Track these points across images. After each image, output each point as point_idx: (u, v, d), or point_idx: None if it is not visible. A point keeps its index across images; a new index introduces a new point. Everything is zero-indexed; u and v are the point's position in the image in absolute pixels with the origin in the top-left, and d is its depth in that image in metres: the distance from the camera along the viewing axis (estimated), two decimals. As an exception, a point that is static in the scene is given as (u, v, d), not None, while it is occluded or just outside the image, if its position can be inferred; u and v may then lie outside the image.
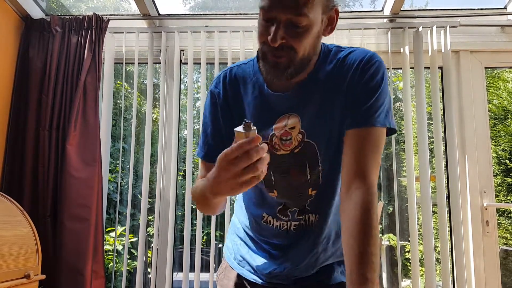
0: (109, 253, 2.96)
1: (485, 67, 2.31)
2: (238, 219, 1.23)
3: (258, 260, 1.14)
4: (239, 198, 1.24)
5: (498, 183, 3.03)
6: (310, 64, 0.99)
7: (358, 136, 0.95)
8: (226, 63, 2.31)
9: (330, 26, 0.97)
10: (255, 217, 1.14)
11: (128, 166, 2.31)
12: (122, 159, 2.46)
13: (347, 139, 0.97)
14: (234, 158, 0.72)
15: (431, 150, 2.21)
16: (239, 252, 1.19)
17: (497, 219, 2.18)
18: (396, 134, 1.18)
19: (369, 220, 0.87)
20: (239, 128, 0.71)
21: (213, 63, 2.32)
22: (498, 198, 3.04)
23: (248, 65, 1.10)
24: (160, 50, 2.38)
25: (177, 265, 3.15)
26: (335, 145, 1.01)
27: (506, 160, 3.09)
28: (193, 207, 3.11)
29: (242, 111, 1.06)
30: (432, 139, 2.19)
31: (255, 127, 0.71)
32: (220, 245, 3.60)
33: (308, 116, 1.01)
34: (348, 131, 0.97)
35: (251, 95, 1.05)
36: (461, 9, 2.34)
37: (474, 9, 2.34)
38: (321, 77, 1.01)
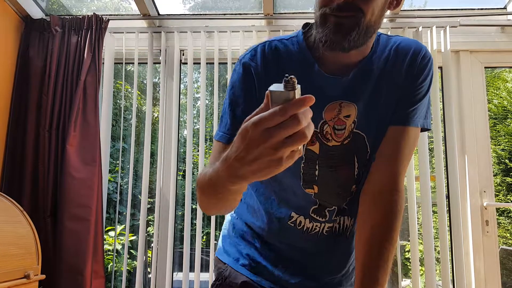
0: (109, 253, 2.96)
1: (485, 67, 2.31)
2: (244, 221, 1.06)
3: (279, 269, 0.99)
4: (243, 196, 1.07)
5: (497, 182, 3.03)
6: (370, 41, 0.89)
7: (400, 135, 0.90)
8: (226, 63, 2.31)
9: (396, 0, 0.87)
10: (279, 218, 0.98)
11: (128, 166, 2.31)
12: (122, 159, 2.46)
13: (388, 136, 0.91)
14: (272, 126, 0.51)
15: (430, 150, 2.21)
16: (250, 257, 1.02)
17: (497, 219, 2.17)
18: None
19: (398, 226, 0.86)
20: (277, 87, 0.51)
21: (213, 63, 2.32)
22: (497, 198, 3.03)
23: (291, 41, 0.95)
24: (160, 50, 2.38)
25: (177, 265, 3.16)
26: (381, 139, 0.92)
27: (506, 160, 3.09)
28: (193, 206, 3.11)
29: None
30: (431, 139, 2.19)
31: (299, 85, 0.51)
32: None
33: (362, 104, 0.91)
34: (391, 127, 0.91)
35: (297, 74, 0.93)
36: (461, 9, 2.34)
37: (474, 9, 2.34)
38: (378, 62, 0.92)
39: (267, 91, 0.51)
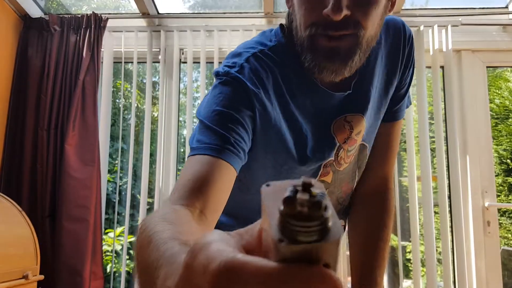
0: (108, 253, 2.94)
1: (487, 67, 2.29)
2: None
3: None
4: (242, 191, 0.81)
5: (499, 183, 3.02)
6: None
7: (389, 131, 0.85)
8: (226, 63, 2.29)
9: (391, 1, 0.73)
10: None
11: (127, 166, 2.29)
12: (122, 159, 2.45)
13: (379, 134, 0.84)
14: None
15: (432, 150, 2.19)
16: None
17: (498, 219, 2.16)
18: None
19: (391, 223, 0.84)
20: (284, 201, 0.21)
21: (213, 63, 2.30)
22: (499, 198, 3.02)
23: (273, 51, 0.75)
24: (159, 49, 2.37)
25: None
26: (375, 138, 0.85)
27: (508, 160, 3.08)
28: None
29: (289, 117, 0.72)
30: (433, 139, 2.18)
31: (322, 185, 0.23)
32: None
33: (369, 114, 0.79)
34: (383, 124, 0.84)
35: (299, 94, 0.73)
36: (462, 8, 2.32)
37: (475, 8, 2.32)
38: (374, 60, 0.79)
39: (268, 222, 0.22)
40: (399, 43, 0.81)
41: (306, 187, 0.21)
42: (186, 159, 0.66)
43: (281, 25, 0.79)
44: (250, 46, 0.76)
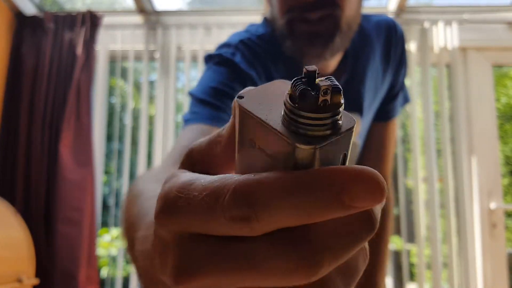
0: (104, 257, 2.91)
1: (493, 65, 2.28)
2: None
3: None
4: None
5: (505, 184, 2.99)
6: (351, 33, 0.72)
7: (384, 131, 0.84)
8: (225, 61, 2.26)
9: None
10: None
11: (123, 167, 2.26)
12: (118, 160, 2.41)
13: (373, 134, 0.82)
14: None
15: (438, 151, 2.17)
16: None
17: (505, 222, 2.15)
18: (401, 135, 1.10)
19: (390, 225, 0.84)
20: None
21: (212, 61, 2.27)
22: (505, 200, 2.99)
23: (262, 39, 0.74)
24: (156, 47, 2.34)
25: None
26: (367, 138, 0.83)
27: (515, 161, 3.06)
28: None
29: None
30: (439, 140, 2.16)
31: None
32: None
33: (365, 112, 0.78)
34: (374, 124, 0.83)
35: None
36: (468, 6, 2.31)
37: (481, 5, 2.32)
38: (366, 55, 0.77)
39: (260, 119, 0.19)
40: (391, 42, 0.81)
41: (312, 77, 0.18)
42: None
43: (265, 18, 0.78)
44: (237, 35, 0.75)
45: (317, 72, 0.18)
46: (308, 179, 0.17)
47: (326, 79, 0.18)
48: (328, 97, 0.18)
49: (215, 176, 0.19)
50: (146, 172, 0.49)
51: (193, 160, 0.24)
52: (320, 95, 0.17)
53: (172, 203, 0.19)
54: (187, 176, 0.20)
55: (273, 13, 0.69)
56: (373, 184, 0.16)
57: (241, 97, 0.20)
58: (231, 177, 0.18)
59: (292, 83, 0.18)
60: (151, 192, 0.35)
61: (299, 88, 0.18)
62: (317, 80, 0.18)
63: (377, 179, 0.17)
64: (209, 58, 0.71)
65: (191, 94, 0.67)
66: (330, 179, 0.16)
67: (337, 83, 0.18)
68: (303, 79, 0.18)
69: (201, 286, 0.18)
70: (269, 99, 0.19)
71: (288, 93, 0.18)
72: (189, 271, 0.18)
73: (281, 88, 0.20)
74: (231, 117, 0.22)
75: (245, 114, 0.19)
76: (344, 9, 0.62)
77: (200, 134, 0.58)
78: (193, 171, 0.22)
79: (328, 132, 0.18)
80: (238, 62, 0.67)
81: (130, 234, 0.34)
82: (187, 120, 0.63)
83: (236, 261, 0.17)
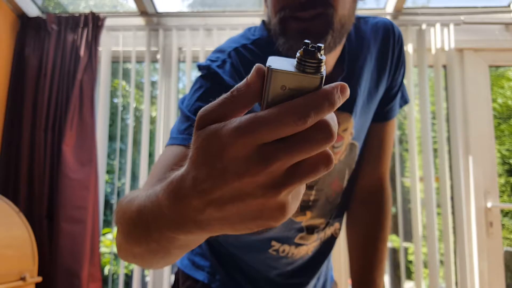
0: (107, 255, 2.92)
1: (489, 66, 2.29)
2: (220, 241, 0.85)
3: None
4: None
5: (502, 183, 3.00)
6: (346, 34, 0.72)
7: (383, 131, 0.85)
8: (226, 62, 2.27)
9: None
10: (253, 249, 0.81)
11: (125, 167, 2.27)
12: (120, 160, 2.43)
13: (372, 134, 0.83)
14: (274, 139, 0.29)
15: (434, 150, 2.18)
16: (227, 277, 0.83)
17: (501, 220, 2.15)
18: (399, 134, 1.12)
19: (389, 224, 0.84)
20: (285, 64, 0.30)
21: (212, 62, 2.28)
22: (502, 199, 3.00)
23: (257, 45, 0.75)
24: (158, 48, 2.35)
25: (175, 267, 3.11)
26: (366, 138, 0.83)
27: (510, 160, 3.06)
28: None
29: None
30: (436, 139, 2.17)
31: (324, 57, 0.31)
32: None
33: (357, 110, 0.78)
34: (373, 124, 0.83)
35: None
36: (465, 7, 2.31)
37: (477, 7, 2.32)
38: (361, 56, 0.77)
39: (265, 67, 0.30)
40: (388, 44, 0.81)
41: (308, 44, 0.30)
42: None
43: (263, 21, 0.79)
44: (233, 40, 0.76)
45: (320, 45, 0.30)
46: (315, 97, 0.28)
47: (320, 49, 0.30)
48: (320, 53, 0.30)
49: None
50: (130, 192, 0.49)
51: (206, 121, 0.30)
52: (316, 51, 0.29)
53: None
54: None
55: (268, 14, 0.71)
56: (342, 90, 0.30)
57: (270, 66, 0.30)
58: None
59: (302, 47, 0.30)
60: (144, 192, 0.39)
61: (306, 48, 0.29)
62: (310, 45, 0.30)
63: (340, 87, 0.29)
64: (199, 68, 0.72)
65: (179, 107, 0.70)
66: (307, 108, 0.28)
67: (321, 44, 0.30)
68: (305, 45, 0.30)
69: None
70: (281, 64, 0.30)
71: (299, 52, 0.29)
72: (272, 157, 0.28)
73: (281, 59, 0.31)
74: (250, 77, 0.30)
75: (278, 72, 0.29)
76: (337, 8, 0.63)
77: (181, 156, 0.60)
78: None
79: (322, 70, 0.30)
80: (225, 76, 0.68)
81: (135, 203, 0.40)
82: (172, 137, 0.65)
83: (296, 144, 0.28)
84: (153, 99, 3.14)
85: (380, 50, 0.81)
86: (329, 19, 0.63)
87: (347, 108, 0.75)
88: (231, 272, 0.82)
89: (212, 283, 0.81)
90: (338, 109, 0.73)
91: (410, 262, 2.47)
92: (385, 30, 0.81)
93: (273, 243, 0.79)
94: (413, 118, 2.16)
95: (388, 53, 0.81)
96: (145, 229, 0.37)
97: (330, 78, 0.74)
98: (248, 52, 0.73)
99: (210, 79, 0.69)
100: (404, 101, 0.90)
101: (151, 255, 0.41)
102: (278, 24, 0.66)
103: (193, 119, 0.60)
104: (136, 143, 2.59)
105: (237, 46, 0.73)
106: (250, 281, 0.83)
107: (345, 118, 0.76)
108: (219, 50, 0.75)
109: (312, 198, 0.78)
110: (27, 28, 2.27)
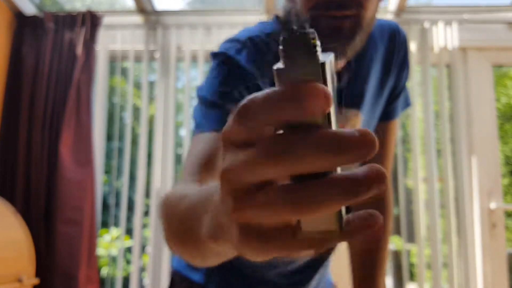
0: (105, 257, 2.90)
1: (492, 65, 2.28)
2: None
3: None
4: None
5: (505, 184, 2.99)
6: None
7: (385, 131, 0.86)
8: (225, 61, 2.26)
9: None
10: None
11: (123, 167, 2.26)
12: (118, 160, 2.41)
13: (375, 134, 0.83)
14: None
15: (438, 151, 2.17)
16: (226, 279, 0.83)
17: (505, 222, 2.14)
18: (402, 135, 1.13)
19: (391, 225, 0.84)
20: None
21: (212, 61, 2.26)
22: (505, 200, 2.99)
23: (273, 38, 0.76)
24: (157, 47, 2.33)
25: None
26: None
27: (514, 161, 3.05)
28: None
29: None
30: (439, 140, 2.16)
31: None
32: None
33: (366, 109, 0.79)
34: (378, 124, 0.85)
35: None
36: (468, 6, 2.31)
37: (480, 6, 2.31)
38: (370, 55, 0.79)
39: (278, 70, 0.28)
40: (394, 45, 0.83)
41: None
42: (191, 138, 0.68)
43: (276, 15, 0.79)
44: (248, 30, 0.77)
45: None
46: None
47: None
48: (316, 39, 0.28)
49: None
50: (171, 190, 0.52)
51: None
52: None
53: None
54: None
55: (286, 10, 0.71)
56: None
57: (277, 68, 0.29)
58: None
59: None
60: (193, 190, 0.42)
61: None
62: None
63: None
64: (215, 56, 0.72)
65: (200, 95, 0.70)
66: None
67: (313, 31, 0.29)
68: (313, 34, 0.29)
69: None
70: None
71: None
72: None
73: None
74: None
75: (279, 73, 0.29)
76: (367, 10, 0.64)
77: (213, 141, 0.61)
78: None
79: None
80: (242, 61, 0.68)
81: (184, 203, 0.42)
82: (199, 125, 0.66)
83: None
84: (151, 99, 3.12)
85: (385, 51, 0.83)
86: (360, 19, 0.64)
87: (356, 104, 0.77)
88: (228, 273, 0.80)
89: (208, 284, 0.81)
90: (347, 105, 0.73)
91: (413, 264, 2.45)
92: (391, 32, 0.84)
93: None
94: (416, 117, 2.14)
95: (394, 54, 0.83)
96: (191, 229, 0.39)
97: (339, 75, 0.75)
98: (262, 42, 0.73)
99: (229, 64, 0.69)
100: (407, 104, 0.92)
101: (197, 252, 0.42)
102: (309, 21, 0.64)
103: (217, 103, 0.66)
104: (134, 143, 2.58)
105: (251, 36, 0.74)
106: (248, 282, 0.81)
107: (354, 115, 0.78)
108: (233, 40, 0.75)
109: None
110: (24, 26, 2.26)
